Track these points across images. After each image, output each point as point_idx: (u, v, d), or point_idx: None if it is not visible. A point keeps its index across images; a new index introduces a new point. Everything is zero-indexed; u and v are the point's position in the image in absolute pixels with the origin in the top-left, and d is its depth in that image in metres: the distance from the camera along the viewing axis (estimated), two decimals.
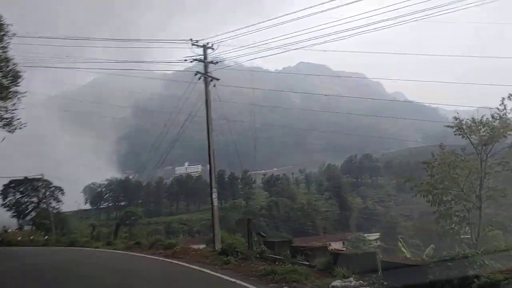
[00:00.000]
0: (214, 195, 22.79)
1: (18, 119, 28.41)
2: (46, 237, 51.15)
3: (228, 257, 16.91)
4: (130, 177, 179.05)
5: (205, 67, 24.58)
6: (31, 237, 47.59)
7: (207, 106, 23.70)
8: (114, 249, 28.46)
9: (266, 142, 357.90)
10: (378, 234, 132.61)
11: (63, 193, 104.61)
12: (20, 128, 28.47)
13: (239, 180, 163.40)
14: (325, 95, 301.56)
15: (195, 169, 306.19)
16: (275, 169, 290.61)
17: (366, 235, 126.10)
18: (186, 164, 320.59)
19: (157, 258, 20.36)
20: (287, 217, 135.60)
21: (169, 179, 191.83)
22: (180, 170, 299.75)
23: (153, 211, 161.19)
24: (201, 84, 25.72)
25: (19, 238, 46.01)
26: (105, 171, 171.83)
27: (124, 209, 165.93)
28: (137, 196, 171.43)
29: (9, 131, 28.43)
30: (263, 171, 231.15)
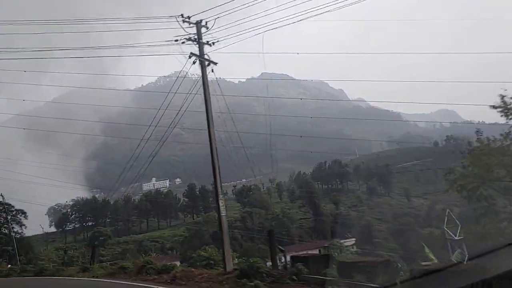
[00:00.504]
0: (221, 203, 18.66)
1: None
2: (10, 265, 45.86)
3: (253, 281, 13.25)
4: (97, 195, 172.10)
5: (200, 47, 21.21)
6: None
7: (205, 94, 20.14)
8: (93, 277, 24.41)
9: (233, 154, 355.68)
10: (354, 239, 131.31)
11: (25, 217, 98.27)
12: None
13: (210, 193, 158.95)
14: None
15: (163, 185, 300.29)
16: (243, 180, 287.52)
17: (342, 241, 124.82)
18: (153, 179, 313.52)
19: (153, 287, 16.57)
20: (261, 227, 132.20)
21: (137, 195, 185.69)
22: (148, 186, 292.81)
23: (122, 230, 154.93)
24: (178, 95, 22.33)
25: None
26: (71, 191, 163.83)
27: (91, 229, 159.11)
28: (105, 215, 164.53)
29: None
30: (232, 182, 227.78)
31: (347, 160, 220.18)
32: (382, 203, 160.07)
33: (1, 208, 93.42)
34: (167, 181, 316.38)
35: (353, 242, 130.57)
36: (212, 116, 19.39)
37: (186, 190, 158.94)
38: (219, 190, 18.53)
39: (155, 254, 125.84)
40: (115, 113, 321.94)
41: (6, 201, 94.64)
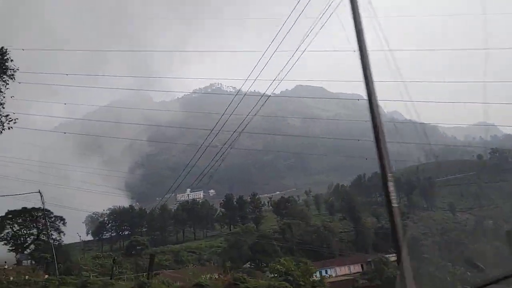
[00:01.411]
0: (391, 189, 10.80)
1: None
2: (47, 276, 41.53)
3: None
4: (134, 205, 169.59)
5: None
6: (26, 277, 37.81)
7: (358, 31, 11.21)
8: None
9: (267, 166, 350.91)
10: None
11: (64, 223, 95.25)
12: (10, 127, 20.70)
13: (248, 204, 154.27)
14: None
15: (197, 196, 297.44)
16: (277, 192, 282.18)
17: (387, 256, 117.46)
18: (188, 190, 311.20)
19: None
20: (301, 240, 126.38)
21: (173, 205, 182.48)
22: (182, 197, 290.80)
23: (158, 240, 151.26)
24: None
25: (12, 278, 36.30)
26: (112, 199, 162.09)
27: (128, 238, 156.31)
28: (141, 225, 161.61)
29: None
30: (266, 195, 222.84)
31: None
32: (426, 217, 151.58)
33: (40, 214, 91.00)
34: (201, 192, 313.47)
35: None
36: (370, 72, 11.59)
37: (223, 200, 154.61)
38: (388, 170, 11.28)
39: (192, 265, 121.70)
40: (164, 121, 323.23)
41: (46, 207, 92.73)
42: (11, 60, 20.82)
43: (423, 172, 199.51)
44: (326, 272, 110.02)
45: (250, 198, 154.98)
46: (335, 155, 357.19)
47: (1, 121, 21.43)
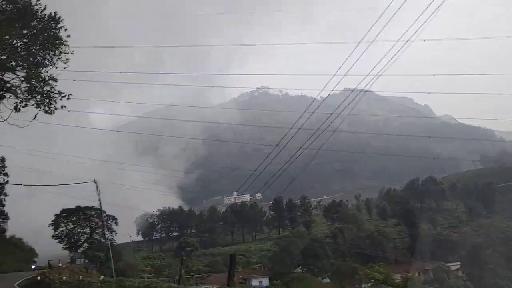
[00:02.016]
0: None
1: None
2: (102, 277, 39.31)
3: None
4: (182, 206, 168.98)
5: None
6: (80, 277, 35.56)
7: None
8: None
9: (314, 170, 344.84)
10: (459, 263, 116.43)
11: (116, 223, 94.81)
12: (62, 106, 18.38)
13: (298, 207, 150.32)
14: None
15: (243, 199, 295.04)
16: (324, 196, 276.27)
17: (447, 264, 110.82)
18: (235, 193, 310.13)
19: None
20: (353, 245, 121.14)
21: (222, 207, 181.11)
22: (229, 200, 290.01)
23: (207, 242, 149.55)
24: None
25: (64, 278, 34.13)
26: (165, 199, 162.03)
27: (177, 240, 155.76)
28: (190, 226, 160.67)
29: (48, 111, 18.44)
30: (313, 199, 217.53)
31: (439, 177, 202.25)
32: (487, 225, 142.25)
33: (94, 213, 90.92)
34: (248, 195, 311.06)
35: (458, 266, 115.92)
36: None
37: (272, 203, 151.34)
38: None
39: (242, 268, 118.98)
40: (218, 125, 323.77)
41: (98, 206, 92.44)
42: (65, 30, 18.19)
43: (481, 178, 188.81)
44: None
45: (299, 201, 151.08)
46: (383, 159, 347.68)
47: (53, 97, 18.87)
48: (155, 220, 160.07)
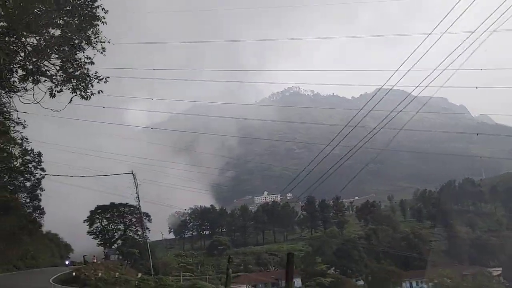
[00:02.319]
0: None
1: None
2: (140, 275, 38.09)
3: None
4: (215, 205, 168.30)
5: None
6: (116, 274, 34.47)
7: None
8: None
9: (346, 170, 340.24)
10: (500, 268, 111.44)
11: (150, 220, 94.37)
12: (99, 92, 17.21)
13: (331, 207, 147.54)
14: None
15: (274, 199, 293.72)
16: (356, 197, 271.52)
17: (489, 269, 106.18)
18: (265, 193, 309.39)
19: None
20: (388, 246, 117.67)
21: (254, 207, 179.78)
22: (259, 200, 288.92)
23: (238, 241, 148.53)
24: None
25: (100, 274, 33.05)
26: (198, 197, 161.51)
27: (208, 238, 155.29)
28: (221, 225, 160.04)
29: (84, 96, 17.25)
30: (345, 200, 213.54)
31: (477, 179, 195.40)
32: None
33: (127, 210, 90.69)
34: (279, 195, 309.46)
35: (499, 272, 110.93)
36: None
37: (305, 203, 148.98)
38: None
39: (274, 268, 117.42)
40: (255, 123, 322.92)
41: (133, 204, 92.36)
42: (103, 8, 16.82)
43: None
44: (418, 284, 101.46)
45: (332, 201, 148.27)
46: (416, 160, 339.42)
47: (90, 81, 17.50)
48: (187, 218, 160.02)
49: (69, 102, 18.12)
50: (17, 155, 53.31)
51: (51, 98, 18.86)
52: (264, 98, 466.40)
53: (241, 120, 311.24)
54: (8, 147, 49.52)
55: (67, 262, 52.93)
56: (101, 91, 18.39)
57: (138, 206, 45.33)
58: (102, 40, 17.26)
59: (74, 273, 33.27)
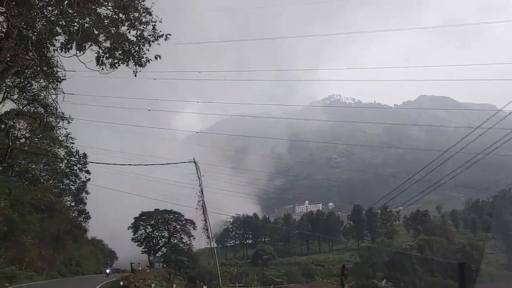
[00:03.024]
0: None
1: None
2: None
3: None
4: (258, 214, 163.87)
5: None
6: (174, 286, 30.40)
7: None
8: None
9: (389, 179, 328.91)
10: None
11: (195, 227, 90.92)
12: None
13: (378, 217, 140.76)
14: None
15: (316, 208, 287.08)
16: (400, 207, 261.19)
17: None
18: (307, 202, 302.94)
19: None
20: (443, 258, 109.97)
21: (296, 216, 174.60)
22: (301, 209, 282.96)
23: (282, 250, 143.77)
24: None
25: (153, 286, 29.14)
26: (242, 206, 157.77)
27: (251, 247, 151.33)
28: (264, 234, 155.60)
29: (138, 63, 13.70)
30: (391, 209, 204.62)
31: None
32: None
33: (172, 216, 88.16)
34: (320, 205, 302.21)
35: None
36: None
37: (351, 212, 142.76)
38: None
39: (321, 280, 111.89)
40: (305, 129, 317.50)
41: (178, 211, 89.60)
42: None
43: None
44: None
45: (380, 210, 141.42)
46: (465, 169, 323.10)
47: (142, 45, 14.22)
48: (229, 226, 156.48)
49: (115, 68, 14.90)
50: (62, 157, 51.17)
51: (98, 66, 15.61)
52: (306, 106, 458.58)
53: (300, 124, 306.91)
54: (53, 148, 47.28)
55: (108, 271, 47.73)
56: (158, 56, 15.08)
57: (200, 199, 39.79)
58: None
59: (121, 283, 29.98)
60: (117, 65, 19.48)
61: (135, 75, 18.67)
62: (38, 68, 25.12)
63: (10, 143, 32.03)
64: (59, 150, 47.48)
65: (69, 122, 32.14)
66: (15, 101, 30.88)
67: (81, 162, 51.77)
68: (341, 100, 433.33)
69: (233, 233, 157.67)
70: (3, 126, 31.29)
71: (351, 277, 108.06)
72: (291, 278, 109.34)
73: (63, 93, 30.30)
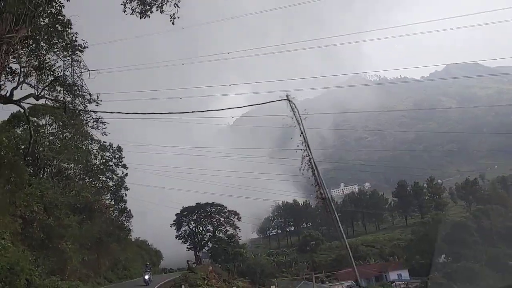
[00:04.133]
0: None
1: None
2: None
3: None
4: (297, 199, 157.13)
5: None
6: None
7: None
8: None
9: (423, 154, 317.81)
10: None
11: (239, 218, 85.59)
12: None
13: (425, 190, 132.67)
14: None
15: (352, 190, 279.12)
16: (439, 180, 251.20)
17: None
18: (342, 185, 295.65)
19: None
20: (503, 229, 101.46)
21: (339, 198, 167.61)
22: (336, 192, 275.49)
23: (327, 235, 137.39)
24: None
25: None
26: (287, 193, 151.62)
27: (293, 235, 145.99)
28: (306, 220, 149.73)
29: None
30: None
31: None
32: None
33: (214, 209, 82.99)
34: (356, 186, 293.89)
35: None
36: None
37: (395, 188, 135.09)
38: None
39: (374, 261, 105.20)
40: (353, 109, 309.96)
41: (220, 203, 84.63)
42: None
43: None
44: None
45: (426, 183, 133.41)
46: (501, 135, 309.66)
47: None
48: (270, 215, 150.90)
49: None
50: (96, 152, 46.18)
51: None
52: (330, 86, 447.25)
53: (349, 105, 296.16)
54: (84, 144, 42.28)
55: (147, 277, 36.15)
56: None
57: (306, 151, 32.04)
58: None
59: (183, 286, 24.51)
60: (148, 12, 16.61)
61: (173, 23, 16.32)
62: (51, 28, 20.15)
63: (32, 132, 26.99)
64: (91, 145, 42.47)
65: (97, 104, 26.63)
66: (34, 86, 25.88)
67: (116, 157, 46.66)
68: (367, 78, 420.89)
69: (274, 222, 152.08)
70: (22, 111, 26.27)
71: (406, 255, 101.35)
72: (342, 262, 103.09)
73: (88, 69, 25.59)
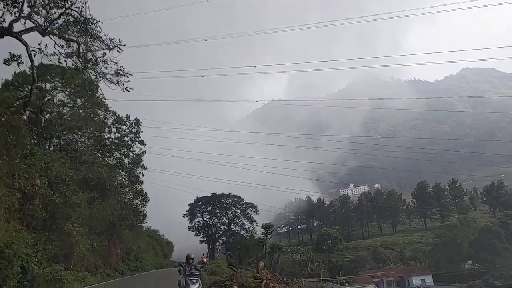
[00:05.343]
0: None
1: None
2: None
3: None
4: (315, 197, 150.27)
5: None
6: None
7: None
8: None
9: (435, 157, 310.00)
10: None
11: (257, 212, 79.28)
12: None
13: (446, 192, 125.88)
14: None
15: (361, 190, 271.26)
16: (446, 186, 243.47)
17: None
18: (351, 185, 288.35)
19: None
20: None
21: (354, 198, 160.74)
22: (345, 192, 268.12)
23: (341, 234, 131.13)
24: None
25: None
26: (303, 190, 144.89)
27: (304, 233, 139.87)
28: (319, 218, 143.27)
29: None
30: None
31: None
32: None
33: (231, 201, 76.94)
34: (366, 187, 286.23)
35: None
36: None
37: (415, 189, 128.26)
38: None
39: (394, 264, 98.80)
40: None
41: (235, 194, 78.72)
42: None
43: None
44: None
45: (448, 185, 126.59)
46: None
47: None
48: (282, 212, 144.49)
49: None
50: (110, 125, 40.17)
51: None
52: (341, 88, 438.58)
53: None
54: (97, 114, 36.27)
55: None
56: None
57: None
58: None
59: (235, 287, 18.40)
60: None
61: None
62: None
63: (35, 76, 21.08)
64: (106, 114, 36.43)
65: (119, 51, 20.53)
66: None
67: (133, 131, 40.57)
68: (380, 79, 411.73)
69: (285, 219, 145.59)
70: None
71: (429, 259, 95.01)
72: (360, 264, 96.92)
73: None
